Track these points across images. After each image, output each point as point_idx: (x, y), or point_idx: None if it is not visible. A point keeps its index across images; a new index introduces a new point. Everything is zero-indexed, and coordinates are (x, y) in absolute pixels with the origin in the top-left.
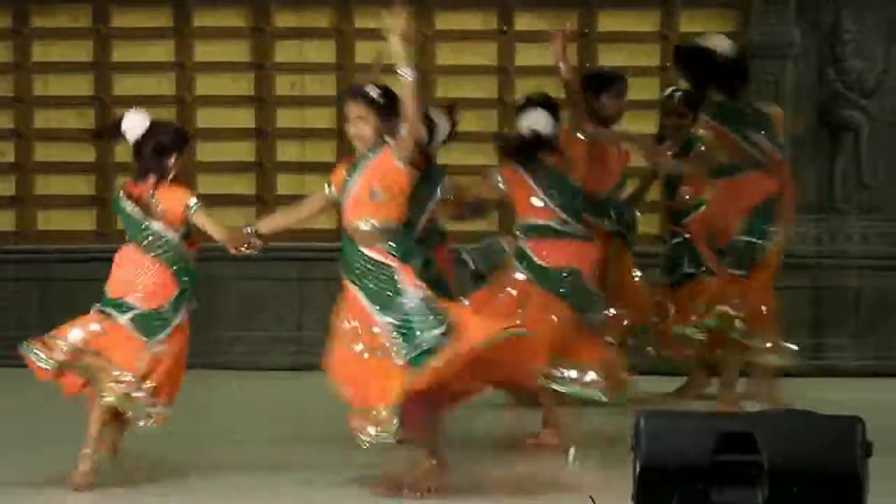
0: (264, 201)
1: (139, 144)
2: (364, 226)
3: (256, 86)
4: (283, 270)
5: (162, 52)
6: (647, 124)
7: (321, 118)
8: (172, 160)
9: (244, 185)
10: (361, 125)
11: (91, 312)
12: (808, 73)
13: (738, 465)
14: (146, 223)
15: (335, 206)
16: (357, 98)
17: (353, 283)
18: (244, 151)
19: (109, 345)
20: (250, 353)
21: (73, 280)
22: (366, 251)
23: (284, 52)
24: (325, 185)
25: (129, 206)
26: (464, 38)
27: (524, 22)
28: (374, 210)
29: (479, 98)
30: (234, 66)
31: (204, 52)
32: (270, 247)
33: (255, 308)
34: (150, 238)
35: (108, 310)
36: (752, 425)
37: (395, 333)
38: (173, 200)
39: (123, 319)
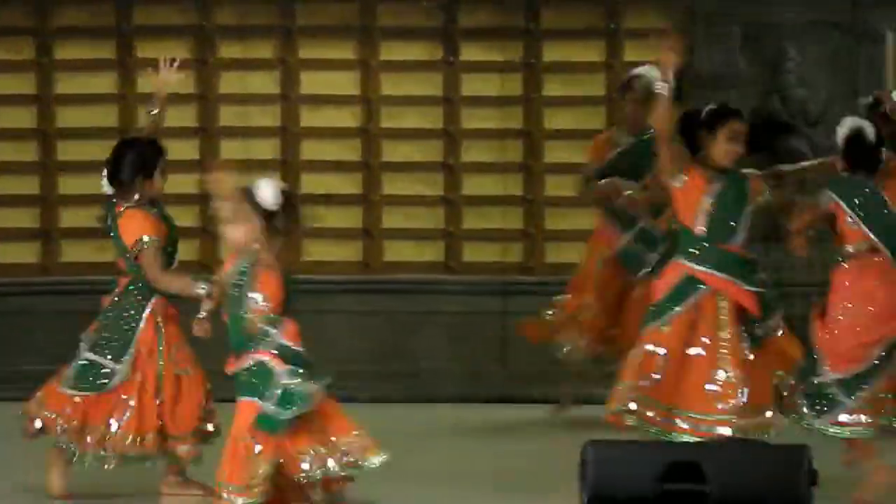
0: (208, 233)
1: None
2: None
3: (200, 117)
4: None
5: (105, 83)
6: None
7: (265, 149)
8: None
9: (188, 218)
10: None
11: None
12: (752, 102)
13: (684, 494)
14: None
15: None
16: None
17: None
18: (187, 183)
19: None
20: None
21: (17, 314)
22: None
23: (228, 83)
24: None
25: None
26: (409, 69)
27: (469, 52)
28: None
29: (424, 128)
30: (177, 97)
31: (147, 83)
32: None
33: None
34: None
35: None
36: (699, 455)
37: None
38: None
39: None
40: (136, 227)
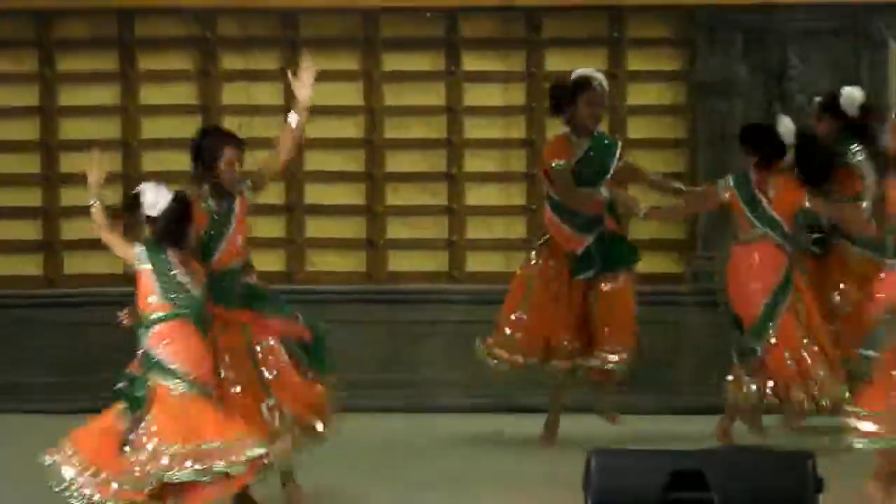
0: None
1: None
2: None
3: None
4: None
5: (107, 95)
6: None
7: None
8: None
9: None
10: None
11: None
12: (754, 109)
13: (689, 502)
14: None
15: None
16: (240, 143)
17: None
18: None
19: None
20: None
21: (20, 325)
22: None
23: (231, 94)
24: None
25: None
26: (412, 79)
27: (472, 62)
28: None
29: (428, 138)
30: (180, 108)
31: (149, 94)
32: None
33: None
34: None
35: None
36: (703, 463)
37: None
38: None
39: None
40: None
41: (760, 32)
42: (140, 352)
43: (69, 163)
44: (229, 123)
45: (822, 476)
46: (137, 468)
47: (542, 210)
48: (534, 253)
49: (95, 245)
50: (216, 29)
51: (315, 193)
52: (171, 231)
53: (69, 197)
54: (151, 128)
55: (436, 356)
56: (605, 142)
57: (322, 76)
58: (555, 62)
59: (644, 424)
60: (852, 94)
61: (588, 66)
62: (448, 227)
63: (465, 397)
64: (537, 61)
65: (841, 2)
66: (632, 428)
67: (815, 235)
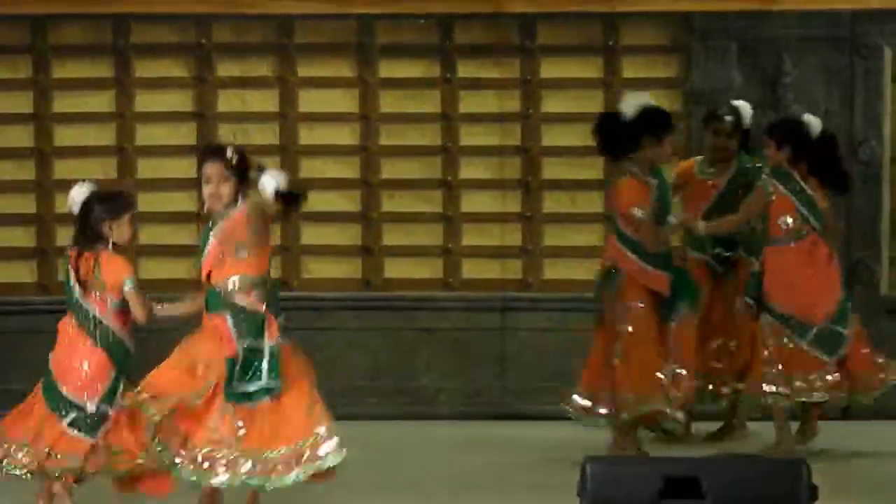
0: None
1: (80, 215)
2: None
3: (198, 135)
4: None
5: (103, 101)
6: (593, 170)
7: None
8: (107, 228)
9: (185, 236)
10: (221, 185)
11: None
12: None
13: None
14: (78, 298)
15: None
16: (217, 158)
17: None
18: (185, 201)
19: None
20: None
21: (15, 333)
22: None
23: (227, 101)
24: None
25: (70, 277)
26: (407, 86)
27: (467, 69)
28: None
29: (423, 145)
30: (175, 115)
31: (145, 101)
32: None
33: None
34: (83, 314)
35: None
36: (698, 469)
37: None
38: (113, 271)
39: (63, 423)
40: None
41: (755, 40)
42: None
43: (64, 169)
44: (224, 131)
45: (816, 483)
46: None
47: (540, 216)
48: (628, 302)
49: None
50: (211, 36)
51: (310, 200)
52: (78, 231)
53: (63, 204)
54: (146, 134)
55: (431, 363)
56: (663, 172)
57: (317, 83)
58: (549, 69)
59: (640, 430)
60: (746, 109)
61: (582, 73)
62: (443, 235)
63: (460, 405)
64: (532, 68)
65: (836, 9)
66: None
67: (726, 254)
